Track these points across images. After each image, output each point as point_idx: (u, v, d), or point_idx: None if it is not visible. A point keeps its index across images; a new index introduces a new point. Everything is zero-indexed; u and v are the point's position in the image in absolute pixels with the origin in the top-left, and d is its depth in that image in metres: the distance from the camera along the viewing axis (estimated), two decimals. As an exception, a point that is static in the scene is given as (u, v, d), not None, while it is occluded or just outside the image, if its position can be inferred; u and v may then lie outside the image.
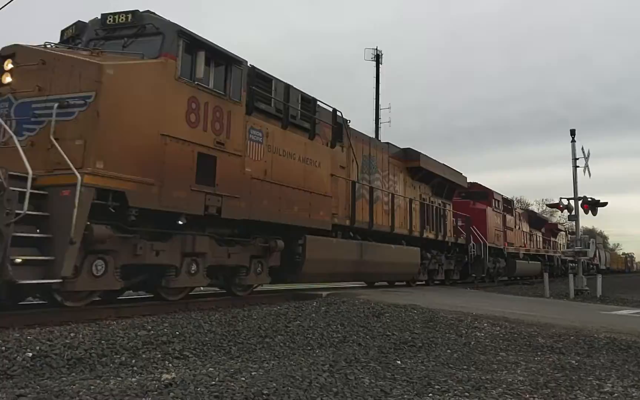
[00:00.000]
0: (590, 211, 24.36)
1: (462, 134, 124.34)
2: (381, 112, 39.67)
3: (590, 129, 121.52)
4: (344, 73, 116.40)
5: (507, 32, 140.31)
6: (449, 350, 7.55)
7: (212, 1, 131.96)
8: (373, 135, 33.85)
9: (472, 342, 8.23)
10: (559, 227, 57.16)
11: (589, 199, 24.21)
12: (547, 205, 54.31)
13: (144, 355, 6.37)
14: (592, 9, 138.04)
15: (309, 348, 7.41)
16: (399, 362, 6.67)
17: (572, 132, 24.43)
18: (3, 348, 5.88)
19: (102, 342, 6.53)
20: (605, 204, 24.69)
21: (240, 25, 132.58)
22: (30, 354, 5.82)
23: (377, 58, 39.90)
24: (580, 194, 24.07)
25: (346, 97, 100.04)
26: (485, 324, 9.72)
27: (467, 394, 5.28)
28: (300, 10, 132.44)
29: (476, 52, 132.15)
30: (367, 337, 8.27)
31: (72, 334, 6.74)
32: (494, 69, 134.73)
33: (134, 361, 6.14)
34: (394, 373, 5.99)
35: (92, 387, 4.92)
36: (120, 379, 5.34)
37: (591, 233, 72.09)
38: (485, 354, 7.40)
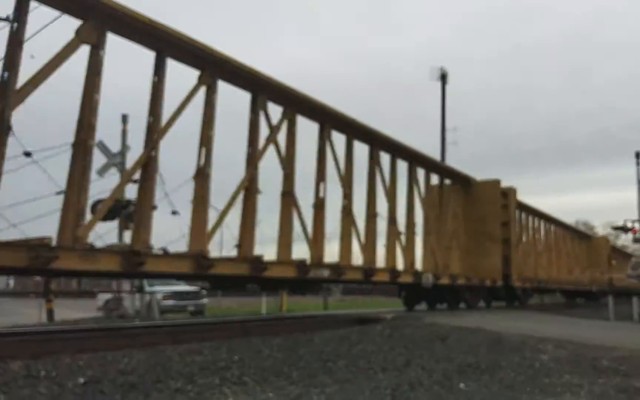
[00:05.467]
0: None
1: (526, 156, 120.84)
2: (447, 133, 36.69)
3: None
4: (406, 92, 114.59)
5: (569, 54, 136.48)
6: (512, 373, 7.12)
7: (275, 25, 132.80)
8: (439, 156, 32.94)
9: (537, 365, 7.76)
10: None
11: (653, 222, 23.03)
12: (612, 227, 52.18)
13: (200, 381, 5.99)
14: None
15: (372, 372, 7.02)
16: (462, 385, 6.31)
17: (637, 154, 23.40)
18: (54, 374, 5.61)
19: (157, 367, 6.24)
20: (669, 226, 23.43)
21: (301, 45, 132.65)
22: (82, 380, 5.52)
23: (443, 78, 37.21)
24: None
25: (408, 115, 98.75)
26: (550, 347, 9.20)
27: (530, 418, 4.92)
28: (362, 30, 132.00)
29: (539, 73, 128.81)
30: (431, 360, 7.91)
31: (125, 359, 6.48)
32: (557, 91, 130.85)
33: (190, 387, 5.74)
34: (457, 397, 5.70)
35: (146, 414, 4.66)
36: (175, 405, 5.06)
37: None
38: (549, 377, 6.95)
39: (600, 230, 73.05)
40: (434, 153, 28.89)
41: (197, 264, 10.19)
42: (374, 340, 9.21)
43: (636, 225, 22.94)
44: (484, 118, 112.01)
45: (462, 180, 21.60)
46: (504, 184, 22.49)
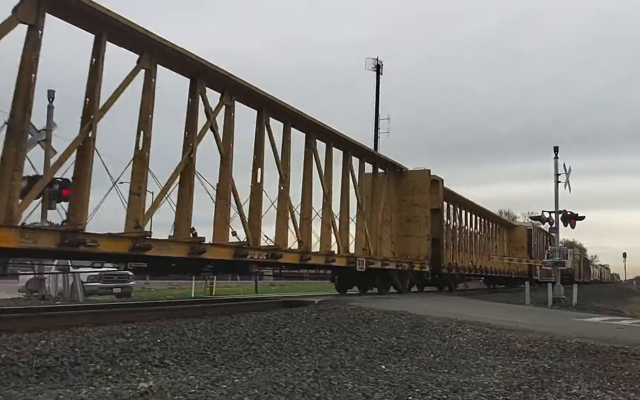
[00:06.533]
0: (568, 224, 24.21)
1: (454, 148, 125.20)
2: (380, 123, 37.77)
3: (573, 148, 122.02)
4: (342, 82, 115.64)
5: (495, 52, 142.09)
6: (432, 355, 7.32)
7: (208, 10, 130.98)
8: (372, 146, 32.82)
9: (455, 347, 8.02)
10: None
11: (569, 213, 24.07)
12: (530, 217, 54.24)
13: (121, 364, 5.82)
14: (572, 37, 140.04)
15: (296, 354, 7.05)
16: (383, 366, 6.43)
17: (556, 149, 24.34)
18: (-36, 355, 5.30)
19: (76, 349, 6.01)
20: (582, 217, 24.59)
21: (234, 32, 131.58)
22: (-6, 362, 5.26)
23: (378, 68, 38.09)
24: (561, 208, 23.95)
25: (344, 106, 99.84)
26: (468, 330, 9.50)
27: (445, 396, 5.09)
28: (298, 18, 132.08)
29: (467, 69, 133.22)
30: (355, 342, 8.02)
31: (42, 341, 6.23)
32: (484, 86, 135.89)
33: (109, 369, 5.58)
34: (377, 377, 5.76)
35: (61, 396, 4.50)
36: (93, 388, 4.89)
37: (570, 245, 71.41)
38: (465, 358, 7.19)
39: (522, 219, 76.16)
40: (368, 141, 29.25)
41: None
42: (300, 323, 9.23)
43: (553, 216, 23.90)
44: (414, 111, 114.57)
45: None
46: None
